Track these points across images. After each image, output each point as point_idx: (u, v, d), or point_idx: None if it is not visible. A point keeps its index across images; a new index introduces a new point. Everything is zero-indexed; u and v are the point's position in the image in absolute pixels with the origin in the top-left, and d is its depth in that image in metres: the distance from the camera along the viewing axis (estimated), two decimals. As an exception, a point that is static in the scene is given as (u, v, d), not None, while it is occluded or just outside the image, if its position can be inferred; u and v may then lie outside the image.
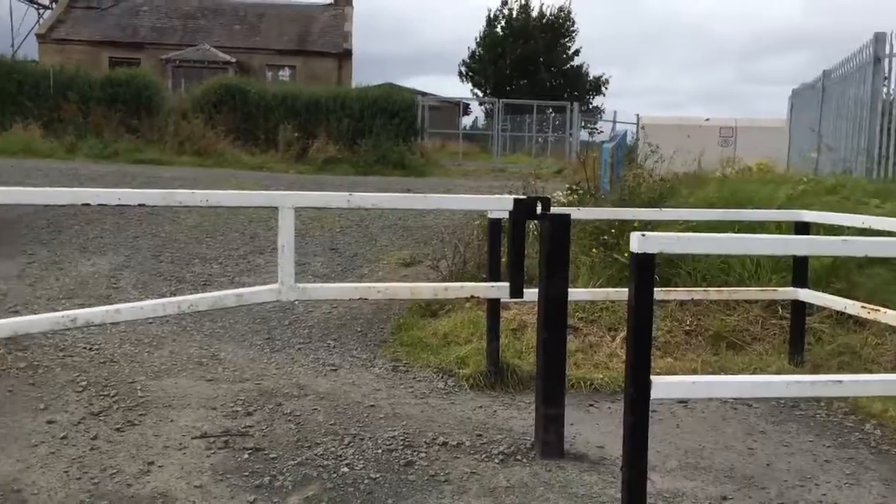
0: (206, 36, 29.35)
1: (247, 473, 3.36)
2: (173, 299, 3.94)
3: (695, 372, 4.74)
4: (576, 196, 7.43)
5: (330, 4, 32.02)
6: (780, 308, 5.45)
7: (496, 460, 3.56)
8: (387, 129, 18.80)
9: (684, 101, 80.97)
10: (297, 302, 5.50)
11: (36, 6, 32.79)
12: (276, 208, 3.92)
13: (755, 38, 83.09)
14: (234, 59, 27.82)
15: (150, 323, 5.56)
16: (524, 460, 3.55)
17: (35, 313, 5.56)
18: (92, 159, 15.28)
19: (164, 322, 5.63)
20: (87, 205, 3.74)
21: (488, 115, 36.50)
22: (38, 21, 31.49)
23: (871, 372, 4.56)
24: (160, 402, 4.16)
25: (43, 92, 18.02)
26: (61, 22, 29.30)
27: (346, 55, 29.50)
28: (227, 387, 4.48)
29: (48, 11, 31.55)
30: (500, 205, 4.35)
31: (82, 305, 5.94)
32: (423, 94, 24.55)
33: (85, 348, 5.05)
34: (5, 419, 3.84)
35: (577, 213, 5.27)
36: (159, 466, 3.40)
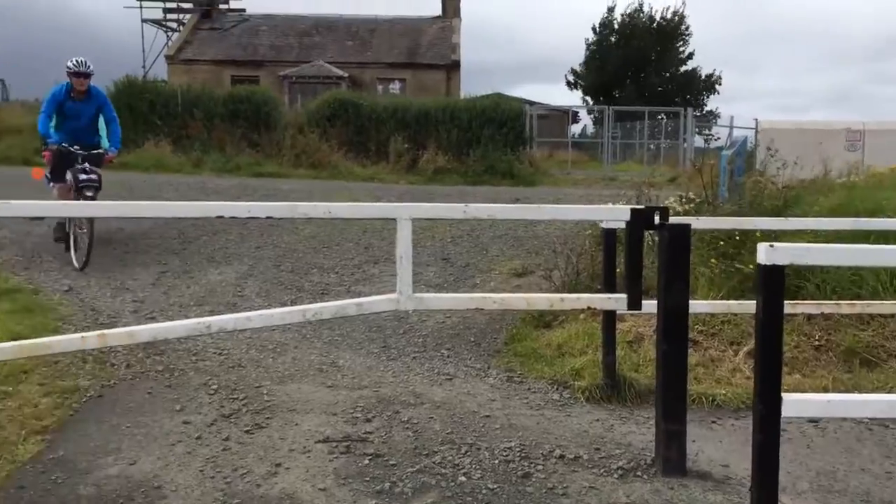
0: (320, 52, 30.39)
1: (368, 479, 3.45)
2: (299, 308, 4.09)
3: (825, 390, 4.52)
4: (692, 205, 7.23)
5: (438, 17, 32.52)
6: (919, 323, 5.12)
7: (615, 475, 3.51)
8: (495, 139, 18.87)
9: (807, 104, 77.13)
10: (411, 311, 5.60)
11: (165, 29, 34.97)
12: (394, 220, 4.01)
13: (885, 36, 78.43)
14: (346, 74, 28.66)
15: (273, 330, 5.80)
16: (644, 476, 3.48)
17: (170, 319, 5.92)
18: (216, 173, 16.09)
19: (286, 329, 5.86)
20: (221, 217, 3.94)
21: (597, 122, 36.03)
22: (166, 43, 33.53)
23: None
24: (285, 407, 4.34)
25: (172, 110, 19.10)
26: (188, 43, 31.04)
27: (455, 66, 29.85)
28: (347, 393, 4.61)
29: (176, 34, 33.54)
30: (615, 215, 4.29)
31: (212, 312, 6.27)
32: (532, 103, 24.51)
33: (215, 353, 5.32)
34: (146, 419, 4.10)
35: (697, 223, 5.12)
36: (286, 468, 3.54)
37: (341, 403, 4.41)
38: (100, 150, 8.06)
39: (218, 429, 3.99)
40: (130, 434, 3.90)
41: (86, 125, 8.10)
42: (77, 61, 7.79)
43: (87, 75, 7.85)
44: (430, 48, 30.92)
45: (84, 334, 3.61)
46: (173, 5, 34.04)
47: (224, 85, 25.76)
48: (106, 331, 3.62)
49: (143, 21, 34.14)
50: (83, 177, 7.56)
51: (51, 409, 4.18)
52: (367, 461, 3.63)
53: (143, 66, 33.00)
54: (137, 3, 33.64)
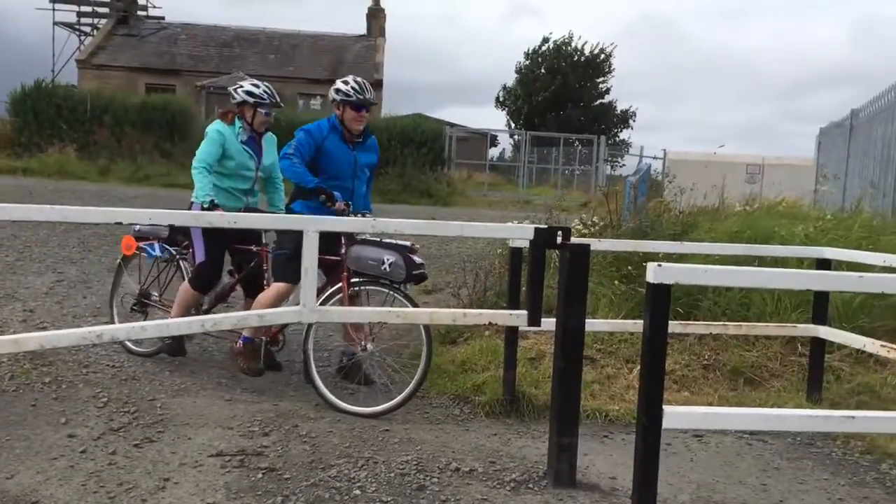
0: (240, 64, 30.00)
1: (260, 492, 3.39)
2: (198, 318, 4.02)
3: (711, 406, 4.70)
4: (596, 228, 7.45)
5: (363, 35, 32.62)
6: (799, 345, 5.40)
7: (508, 487, 3.56)
8: (414, 159, 19.03)
9: (721, 137, 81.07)
10: (314, 323, 5.54)
11: (78, 33, 33.85)
12: (301, 232, 4.00)
13: (800, 75, 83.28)
14: (266, 88, 28.34)
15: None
16: (535, 488, 3.55)
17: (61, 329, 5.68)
18: (124, 182, 15.63)
19: (186, 342, 5.69)
20: (119, 223, 3.83)
21: (516, 146, 36.79)
22: (78, 47, 32.46)
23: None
24: (179, 421, 4.22)
25: (80, 116, 18.49)
26: (101, 48, 30.13)
27: (377, 85, 29.92)
28: (245, 407, 4.52)
29: (89, 38, 32.51)
30: (520, 233, 4.39)
31: (107, 324, 6.05)
32: (452, 124, 24.81)
33: (108, 366, 5.14)
34: (27, 432, 3.93)
35: (598, 244, 5.29)
36: (175, 483, 3.45)
37: (239, 417, 4.33)
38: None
39: (105, 443, 3.86)
40: (9, 447, 3.72)
41: (366, 190, 5.24)
42: (357, 83, 4.97)
43: (370, 106, 5.03)
44: (354, 66, 30.94)
45: (-39, 341, 3.44)
46: (88, 9, 33.05)
47: (138, 93, 25.09)
48: (-14, 338, 3.46)
49: (56, 24, 33.01)
50: (418, 259, 4.66)
51: (-77, 420, 3.95)
52: (260, 475, 3.57)
53: (53, 70, 31.84)
54: (50, 5, 32.50)
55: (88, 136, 18.01)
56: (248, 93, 5.19)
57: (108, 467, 3.57)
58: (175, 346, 5.28)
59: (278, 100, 5.32)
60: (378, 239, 4.72)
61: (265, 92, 5.21)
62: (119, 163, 16.95)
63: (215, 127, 5.22)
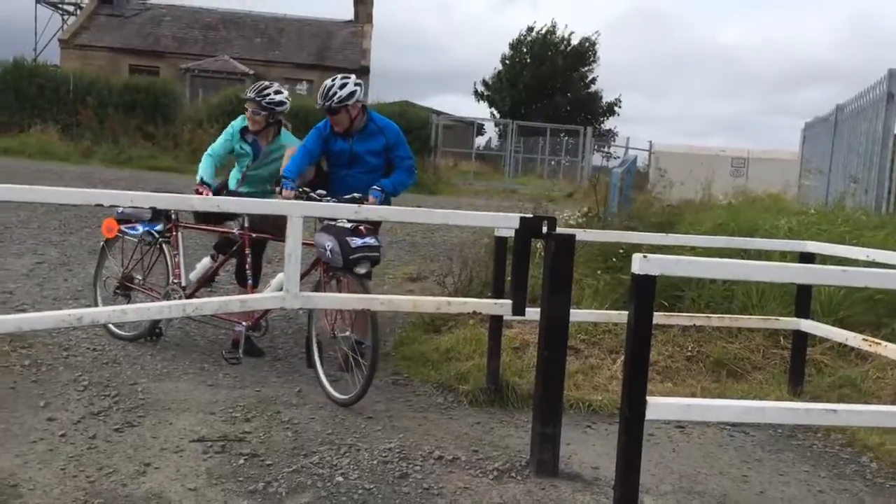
0: (226, 47, 29.72)
1: (241, 478, 3.38)
2: (178, 302, 3.98)
3: (693, 397, 4.73)
4: (584, 218, 7.47)
5: (350, 21, 32.38)
6: (781, 338, 5.43)
7: (490, 476, 3.56)
8: (400, 146, 18.97)
9: (707, 130, 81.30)
10: (301, 311, 5.51)
11: (61, 12, 33.40)
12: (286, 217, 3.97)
13: (788, 69, 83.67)
14: (251, 71, 28.12)
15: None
16: (518, 477, 3.55)
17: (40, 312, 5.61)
18: (106, 164, 15.46)
19: (168, 326, 5.66)
20: (100, 205, 3.78)
21: (502, 135, 36.74)
22: (61, 27, 32.03)
23: (871, 405, 4.53)
24: (160, 405, 4.19)
25: (62, 96, 18.26)
26: (85, 28, 29.74)
27: (364, 71, 29.75)
28: (227, 392, 4.50)
29: (72, 17, 32.08)
30: (506, 222, 4.38)
31: (89, 307, 5.99)
32: (439, 112, 24.72)
33: (89, 349, 5.09)
34: (6, 415, 3.88)
35: (583, 235, 5.28)
36: (155, 468, 3.42)
37: (221, 402, 4.30)
38: (356, 195, 4.94)
39: (85, 426, 3.82)
40: (-13, 430, 3.68)
41: (370, 173, 5.21)
42: (325, 89, 5.05)
43: (335, 112, 5.07)
44: (340, 51, 30.76)
45: (-62, 322, 3.39)
46: (71, -12, 32.60)
47: (122, 74, 24.81)
48: (-36, 319, 3.41)
49: (38, 2, 32.54)
50: (359, 241, 4.42)
51: None
52: (242, 461, 3.55)
53: (35, 50, 31.42)
54: (31, -17, 32.05)
55: (71, 116, 17.82)
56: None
57: (88, 451, 3.54)
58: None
59: (266, 100, 5.40)
60: (334, 223, 4.53)
61: (251, 89, 5.49)
62: (102, 144, 16.81)
63: (233, 121, 5.64)
